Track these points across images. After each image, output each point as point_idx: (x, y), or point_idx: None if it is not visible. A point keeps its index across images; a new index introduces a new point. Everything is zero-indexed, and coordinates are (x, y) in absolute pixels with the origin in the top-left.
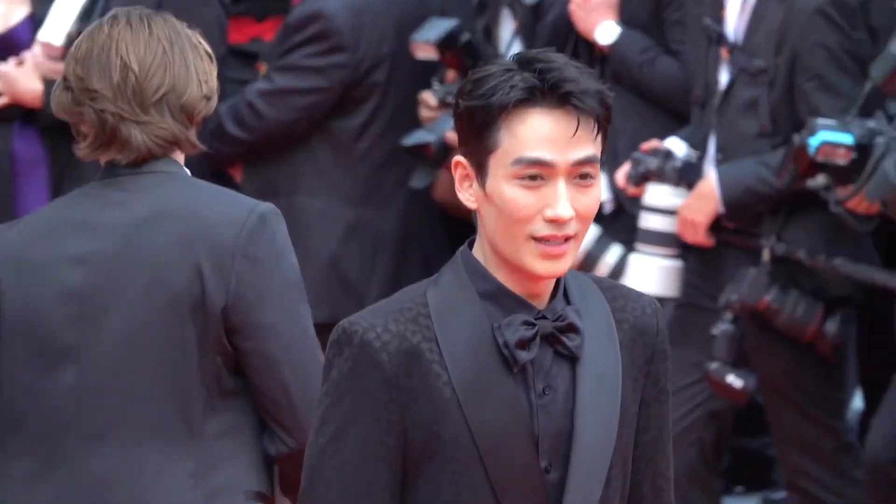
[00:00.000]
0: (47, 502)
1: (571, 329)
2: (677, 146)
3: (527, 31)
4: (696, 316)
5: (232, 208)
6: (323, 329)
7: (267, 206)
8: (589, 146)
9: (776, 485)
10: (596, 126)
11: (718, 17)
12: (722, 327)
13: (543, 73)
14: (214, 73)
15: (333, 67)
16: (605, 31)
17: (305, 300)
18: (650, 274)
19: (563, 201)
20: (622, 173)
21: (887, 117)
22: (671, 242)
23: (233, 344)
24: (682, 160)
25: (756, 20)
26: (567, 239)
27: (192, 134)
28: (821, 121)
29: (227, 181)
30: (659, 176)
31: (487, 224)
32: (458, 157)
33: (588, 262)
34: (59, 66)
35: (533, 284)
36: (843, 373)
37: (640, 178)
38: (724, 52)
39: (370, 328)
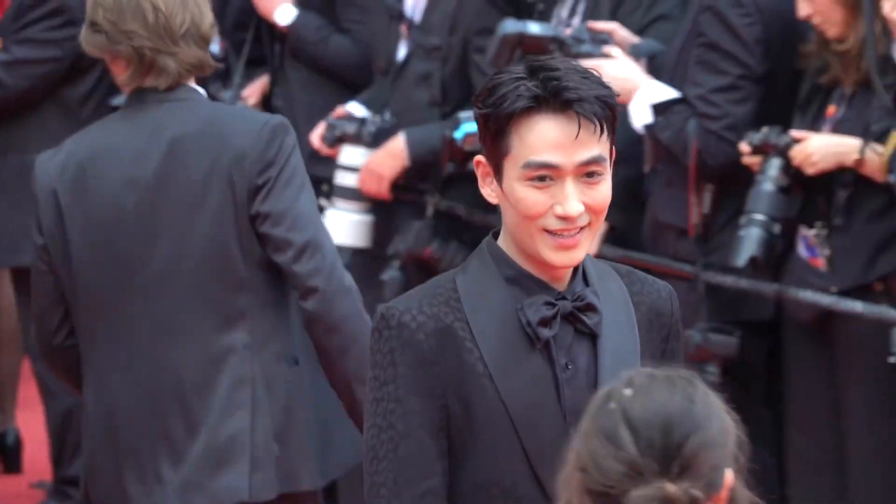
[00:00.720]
0: (130, 389)
1: (590, 308)
2: (357, 110)
3: (217, 13)
4: (372, 263)
5: (248, 123)
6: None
7: (276, 119)
8: (594, 147)
9: None
10: (599, 127)
11: None
12: (390, 273)
13: (546, 81)
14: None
15: (67, 40)
16: (284, 13)
17: (310, 190)
18: (343, 227)
19: (572, 200)
20: (316, 136)
21: None
22: (363, 198)
23: (259, 231)
24: (377, 125)
25: (433, 2)
26: (581, 229)
27: (209, 57)
28: (462, 114)
29: None
30: (355, 139)
31: (507, 218)
32: (479, 157)
33: None
34: None
35: (552, 270)
36: None
37: (335, 140)
38: (403, 29)
39: (406, 311)
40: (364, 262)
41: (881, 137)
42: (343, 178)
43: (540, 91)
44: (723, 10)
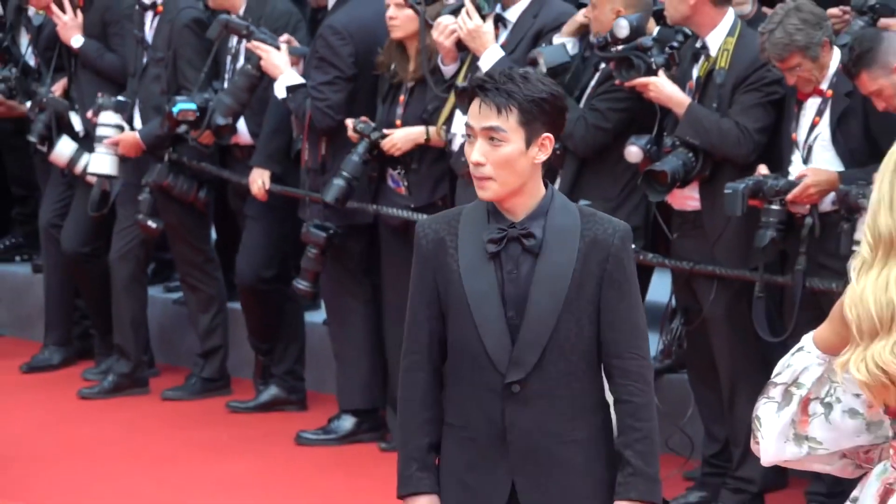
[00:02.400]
0: None
1: (530, 235)
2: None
3: (33, 39)
4: (135, 190)
5: None
6: None
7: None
8: (493, 120)
9: None
10: (496, 109)
11: (141, 28)
12: (143, 195)
13: (477, 79)
14: None
15: None
16: (76, 40)
17: None
18: (105, 162)
19: (475, 152)
20: (90, 113)
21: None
22: (116, 148)
23: None
24: (121, 102)
25: (158, 30)
26: (489, 178)
27: None
28: (177, 97)
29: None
30: (109, 108)
31: None
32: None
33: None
34: None
35: (507, 207)
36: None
37: (98, 109)
38: (143, 48)
39: (422, 228)
40: (130, 190)
41: (433, 114)
42: (102, 132)
43: (474, 83)
44: (327, 36)
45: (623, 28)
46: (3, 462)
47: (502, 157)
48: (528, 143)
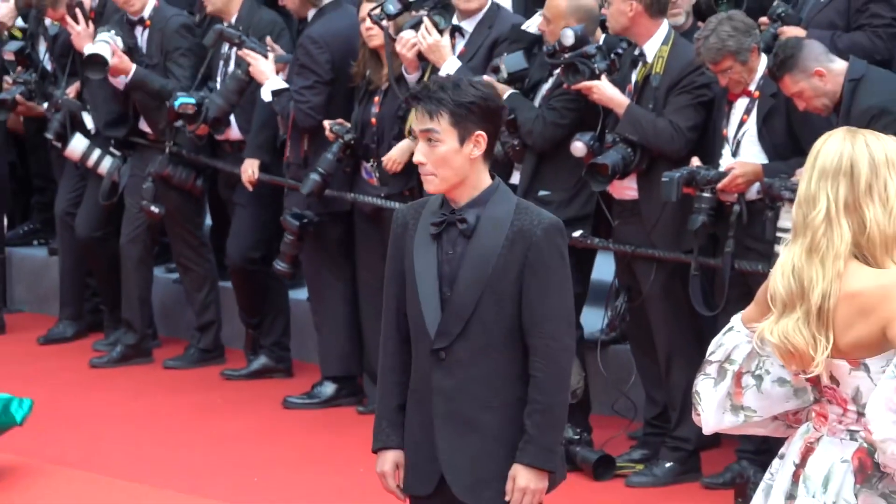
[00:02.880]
0: None
1: (464, 221)
2: None
3: (50, 47)
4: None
5: None
6: None
7: None
8: (428, 124)
9: None
10: (429, 114)
11: (132, 38)
12: (147, 184)
13: (414, 90)
14: None
15: None
16: (88, 48)
17: None
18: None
19: (417, 153)
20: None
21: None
22: None
23: None
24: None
25: (149, 39)
26: (432, 174)
27: None
28: (178, 93)
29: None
30: None
31: None
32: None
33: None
34: None
35: (446, 195)
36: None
37: None
38: (138, 57)
39: (395, 213)
40: (136, 181)
41: (405, 116)
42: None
43: (411, 95)
44: (307, 45)
45: (569, 37)
46: (23, 424)
47: (439, 155)
48: (462, 142)
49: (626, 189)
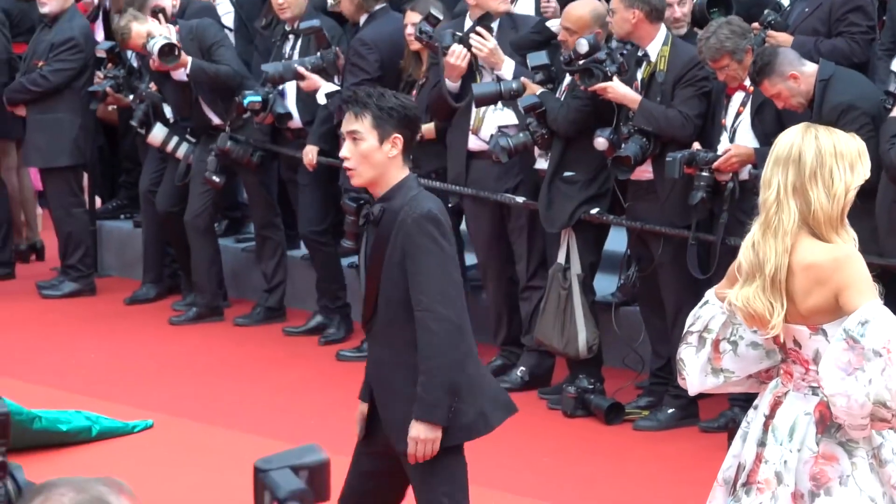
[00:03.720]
0: None
1: (371, 213)
2: None
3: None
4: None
5: None
6: None
7: None
8: (353, 125)
9: None
10: (354, 116)
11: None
12: (210, 158)
13: (345, 93)
14: None
15: None
16: (152, 43)
17: None
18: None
19: (343, 149)
20: None
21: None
22: None
23: None
24: None
25: (182, 39)
26: (350, 169)
27: None
28: (247, 91)
29: None
30: None
31: None
32: None
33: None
34: None
35: (368, 189)
36: None
37: None
38: None
39: None
40: (201, 164)
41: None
42: None
43: (342, 99)
44: (357, 46)
45: (583, 46)
46: (110, 374)
47: (360, 152)
48: (381, 141)
49: (643, 171)
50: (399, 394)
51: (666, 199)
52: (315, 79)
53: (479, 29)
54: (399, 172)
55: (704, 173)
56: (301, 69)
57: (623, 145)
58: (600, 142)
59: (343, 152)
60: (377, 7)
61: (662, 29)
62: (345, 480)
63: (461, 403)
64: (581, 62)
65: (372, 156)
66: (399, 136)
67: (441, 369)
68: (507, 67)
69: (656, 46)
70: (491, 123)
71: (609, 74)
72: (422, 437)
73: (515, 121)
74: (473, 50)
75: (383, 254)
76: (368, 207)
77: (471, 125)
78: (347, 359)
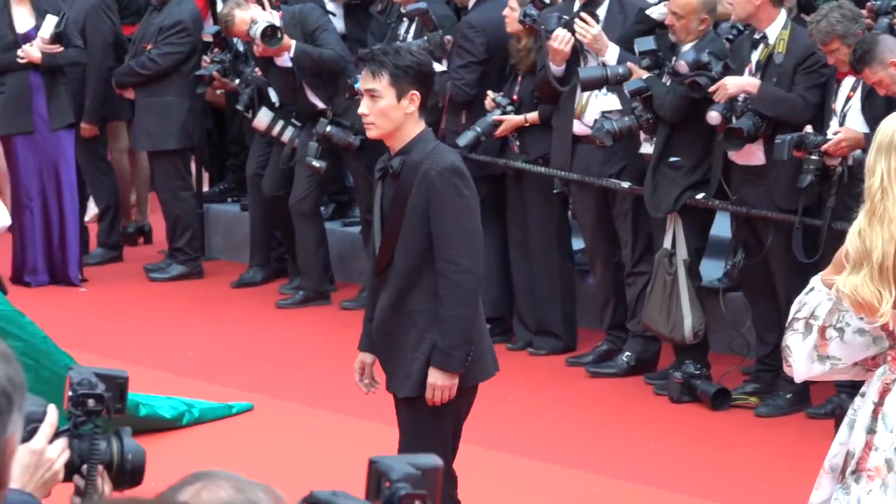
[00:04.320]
0: None
1: (391, 166)
2: None
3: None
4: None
5: None
6: None
7: None
8: (371, 83)
9: None
10: (371, 74)
11: None
12: (313, 142)
13: (362, 53)
14: None
15: None
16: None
17: None
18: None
19: (361, 106)
20: None
21: None
22: None
23: None
24: None
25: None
26: (373, 123)
27: None
28: (358, 75)
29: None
30: None
31: None
32: None
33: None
34: (47, 48)
35: (385, 141)
36: None
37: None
38: None
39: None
40: (304, 149)
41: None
42: None
43: (359, 57)
44: (464, 29)
45: (683, 67)
46: (216, 357)
47: (379, 109)
48: (399, 98)
49: (751, 156)
50: (406, 342)
51: (773, 183)
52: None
53: (583, 14)
54: (416, 126)
55: (814, 157)
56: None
57: (735, 119)
58: (714, 115)
59: (361, 109)
60: None
61: (783, 13)
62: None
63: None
64: (687, 75)
65: (391, 112)
66: (416, 92)
67: (462, 320)
68: (612, 53)
69: (776, 29)
70: (594, 108)
71: (716, 76)
72: (439, 383)
73: (619, 106)
74: (577, 35)
75: (404, 205)
76: (385, 161)
77: (574, 110)
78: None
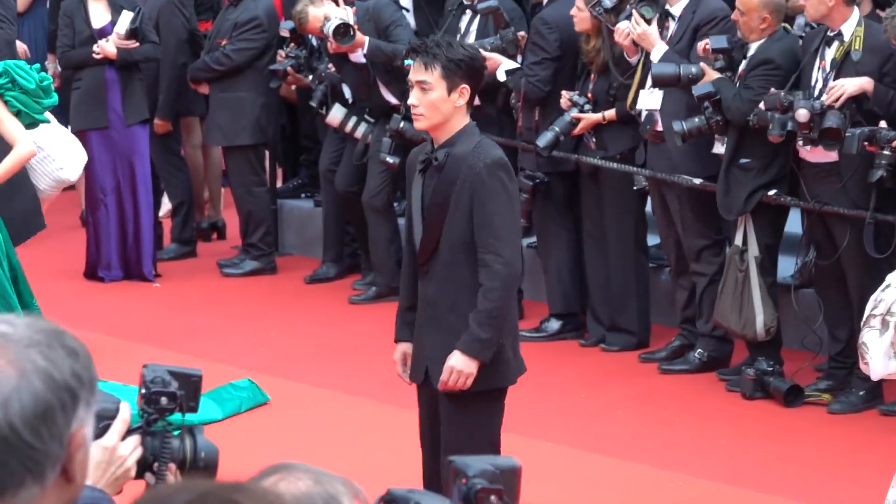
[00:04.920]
0: None
1: (435, 158)
2: None
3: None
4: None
5: None
6: None
7: None
8: (422, 75)
9: None
10: (423, 66)
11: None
12: (386, 139)
13: (413, 44)
14: None
15: None
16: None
17: None
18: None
19: (411, 97)
20: None
21: None
22: None
23: None
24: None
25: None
26: (421, 115)
27: None
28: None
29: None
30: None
31: None
32: None
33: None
34: (123, 44)
35: (430, 134)
36: None
37: None
38: None
39: (409, 155)
40: (377, 145)
41: (618, 91)
42: None
43: (411, 49)
44: (538, 26)
45: (804, 116)
46: (289, 352)
47: (429, 101)
48: (449, 91)
49: (824, 153)
50: (450, 333)
51: (849, 180)
52: (495, 56)
53: (635, 13)
54: (462, 119)
55: (886, 151)
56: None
57: (819, 119)
58: (802, 113)
59: (411, 100)
60: None
61: (856, 11)
62: (420, 443)
63: (509, 351)
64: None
65: (440, 105)
66: (466, 86)
67: (498, 311)
68: (657, 52)
69: (850, 27)
70: (640, 104)
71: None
72: (459, 367)
73: (658, 105)
74: (628, 29)
75: (449, 197)
76: (430, 153)
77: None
78: (526, 339)
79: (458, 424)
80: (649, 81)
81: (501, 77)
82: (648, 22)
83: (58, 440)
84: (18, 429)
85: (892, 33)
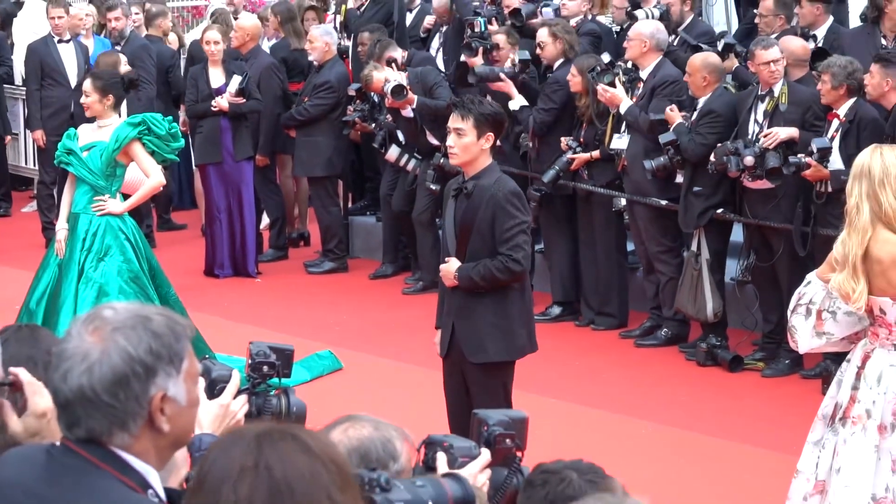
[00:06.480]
0: None
1: (466, 187)
2: None
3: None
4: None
5: None
6: None
7: None
8: (459, 123)
9: None
10: (460, 116)
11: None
12: (430, 171)
13: (454, 99)
14: None
15: None
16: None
17: None
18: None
19: (448, 140)
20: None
21: None
22: None
23: None
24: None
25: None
26: (455, 154)
27: None
28: None
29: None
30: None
31: None
32: None
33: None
34: (234, 100)
35: (462, 167)
36: None
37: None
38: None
39: (448, 183)
40: (423, 174)
41: (601, 139)
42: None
43: (451, 102)
44: (551, 82)
45: (750, 161)
46: (358, 330)
47: (462, 144)
48: (479, 137)
49: (764, 183)
50: (478, 320)
51: (781, 199)
52: (511, 89)
53: (599, 82)
54: (487, 159)
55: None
56: (502, 74)
57: (761, 160)
58: (749, 159)
59: (449, 142)
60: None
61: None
62: (446, 401)
63: (520, 329)
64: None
65: (471, 147)
66: (492, 133)
67: (494, 280)
68: (623, 105)
69: (778, 86)
70: (613, 144)
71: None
72: (451, 272)
73: (626, 146)
74: (598, 96)
75: (475, 218)
76: (462, 183)
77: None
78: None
79: (481, 385)
80: (622, 128)
81: (513, 107)
82: (612, 85)
83: (135, 400)
84: (98, 391)
85: (831, 76)
